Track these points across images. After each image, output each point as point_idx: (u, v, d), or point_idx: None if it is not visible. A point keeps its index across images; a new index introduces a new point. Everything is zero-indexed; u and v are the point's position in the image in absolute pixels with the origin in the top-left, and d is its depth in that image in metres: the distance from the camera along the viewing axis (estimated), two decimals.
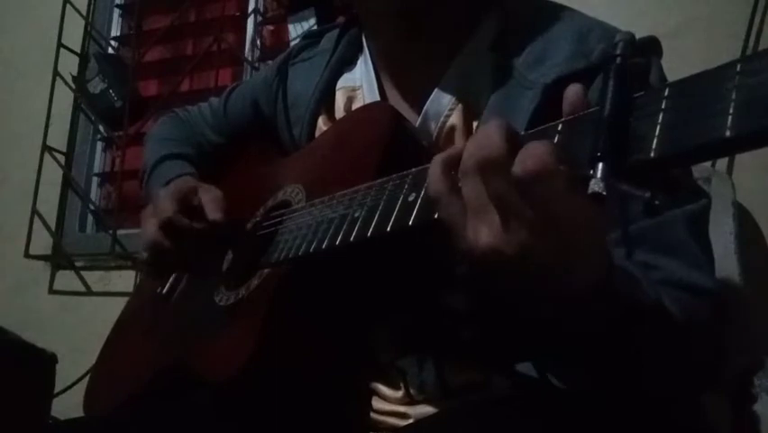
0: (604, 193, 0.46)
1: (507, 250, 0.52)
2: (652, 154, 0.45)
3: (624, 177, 0.46)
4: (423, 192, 0.62)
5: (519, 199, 0.51)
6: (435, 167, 0.57)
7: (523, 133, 0.56)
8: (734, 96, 0.41)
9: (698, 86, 0.44)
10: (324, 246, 0.72)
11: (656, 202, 0.45)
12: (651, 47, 0.52)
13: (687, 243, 0.72)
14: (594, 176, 0.47)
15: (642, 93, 0.48)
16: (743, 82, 0.41)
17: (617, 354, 0.62)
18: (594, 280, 0.55)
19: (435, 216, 0.58)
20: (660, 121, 0.45)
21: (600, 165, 0.47)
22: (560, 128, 0.53)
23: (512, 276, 0.55)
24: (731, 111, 0.41)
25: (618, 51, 0.50)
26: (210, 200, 0.94)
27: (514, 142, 0.52)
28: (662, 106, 0.46)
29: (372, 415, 0.83)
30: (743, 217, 1.21)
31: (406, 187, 0.65)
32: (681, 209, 0.72)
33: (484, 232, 0.53)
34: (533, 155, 0.49)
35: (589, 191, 0.47)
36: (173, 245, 0.94)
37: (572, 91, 0.53)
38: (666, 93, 0.46)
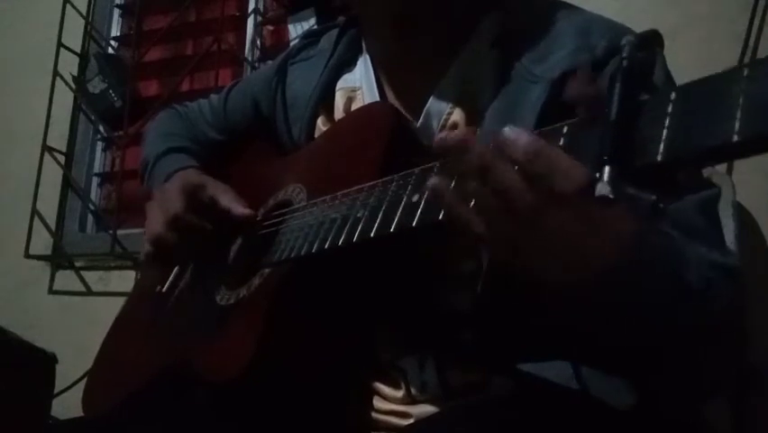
0: (611, 196, 0.46)
1: (496, 246, 0.54)
2: (659, 158, 0.45)
3: (630, 180, 0.46)
4: (426, 193, 0.62)
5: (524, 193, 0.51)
6: None
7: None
8: (741, 100, 0.41)
9: (705, 90, 0.44)
10: (326, 246, 0.72)
11: (661, 205, 0.45)
12: (654, 40, 0.52)
13: (702, 225, 0.71)
14: (600, 179, 0.47)
15: (649, 96, 0.48)
16: (750, 87, 0.41)
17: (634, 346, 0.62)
18: (599, 272, 0.55)
19: (440, 217, 0.58)
20: (667, 124, 0.45)
21: (607, 168, 0.47)
22: (565, 131, 0.53)
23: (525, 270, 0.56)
24: (739, 116, 0.41)
25: (625, 54, 0.50)
26: (229, 199, 0.95)
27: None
28: (669, 110, 0.46)
29: (373, 414, 0.82)
30: (743, 217, 1.21)
31: (409, 187, 0.65)
32: (692, 195, 0.71)
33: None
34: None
35: (596, 194, 0.47)
36: (177, 241, 0.94)
37: (580, 78, 0.53)
38: (673, 96, 0.46)
